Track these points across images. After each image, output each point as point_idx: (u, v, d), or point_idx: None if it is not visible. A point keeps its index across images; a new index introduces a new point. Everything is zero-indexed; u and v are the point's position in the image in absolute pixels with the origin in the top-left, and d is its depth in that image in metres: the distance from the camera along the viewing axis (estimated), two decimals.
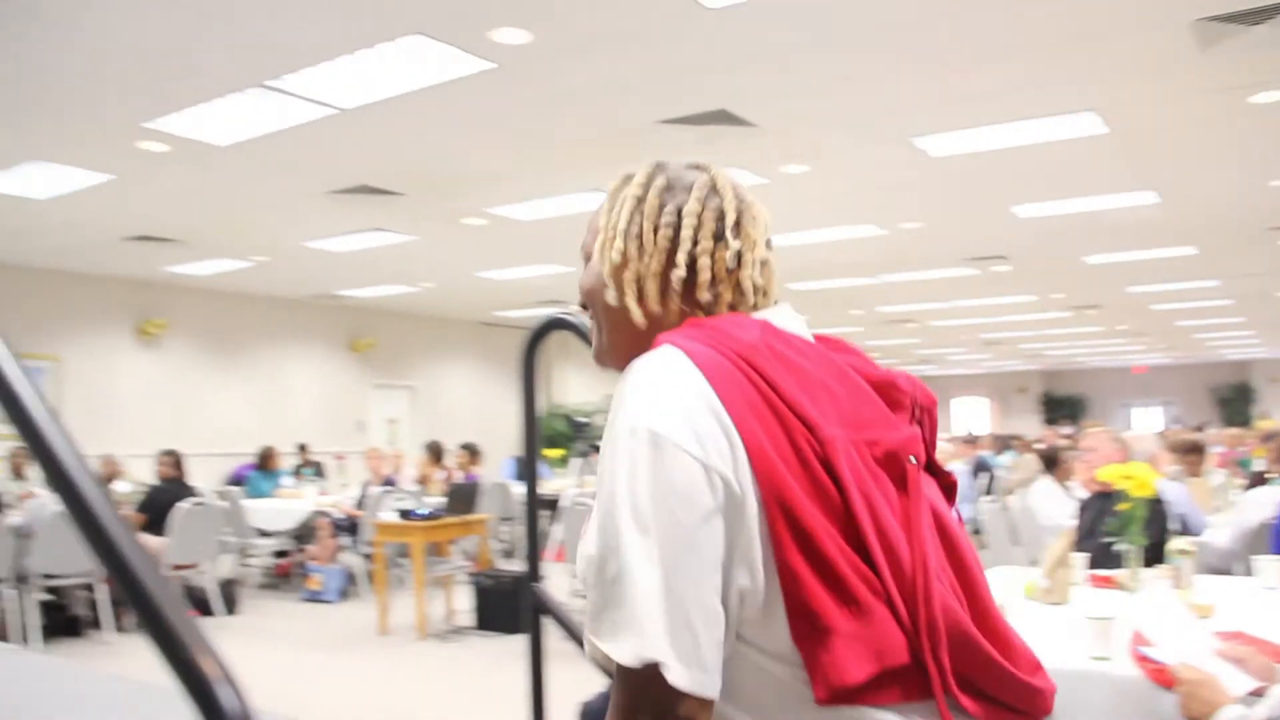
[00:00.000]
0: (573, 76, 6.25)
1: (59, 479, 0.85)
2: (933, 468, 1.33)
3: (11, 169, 8.13)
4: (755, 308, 1.34)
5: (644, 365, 1.17)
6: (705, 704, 1.08)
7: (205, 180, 8.49)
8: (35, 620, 7.21)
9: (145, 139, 7.32)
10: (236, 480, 12.31)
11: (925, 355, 27.62)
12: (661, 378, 1.15)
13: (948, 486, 1.34)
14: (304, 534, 10.08)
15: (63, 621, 7.60)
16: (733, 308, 1.33)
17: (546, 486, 13.05)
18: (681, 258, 1.31)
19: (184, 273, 13.19)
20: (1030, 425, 29.15)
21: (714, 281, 1.32)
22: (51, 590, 7.53)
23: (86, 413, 12.93)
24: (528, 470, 2.10)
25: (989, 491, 11.38)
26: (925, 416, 1.33)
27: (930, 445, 1.32)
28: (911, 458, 1.23)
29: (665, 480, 1.08)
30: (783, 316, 1.32)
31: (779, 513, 1.10)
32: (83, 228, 10.31)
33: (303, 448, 13.99)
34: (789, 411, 1.15)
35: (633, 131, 7.36)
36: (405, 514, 8.30)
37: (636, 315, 1.32)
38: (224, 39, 5.63)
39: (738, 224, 1.34)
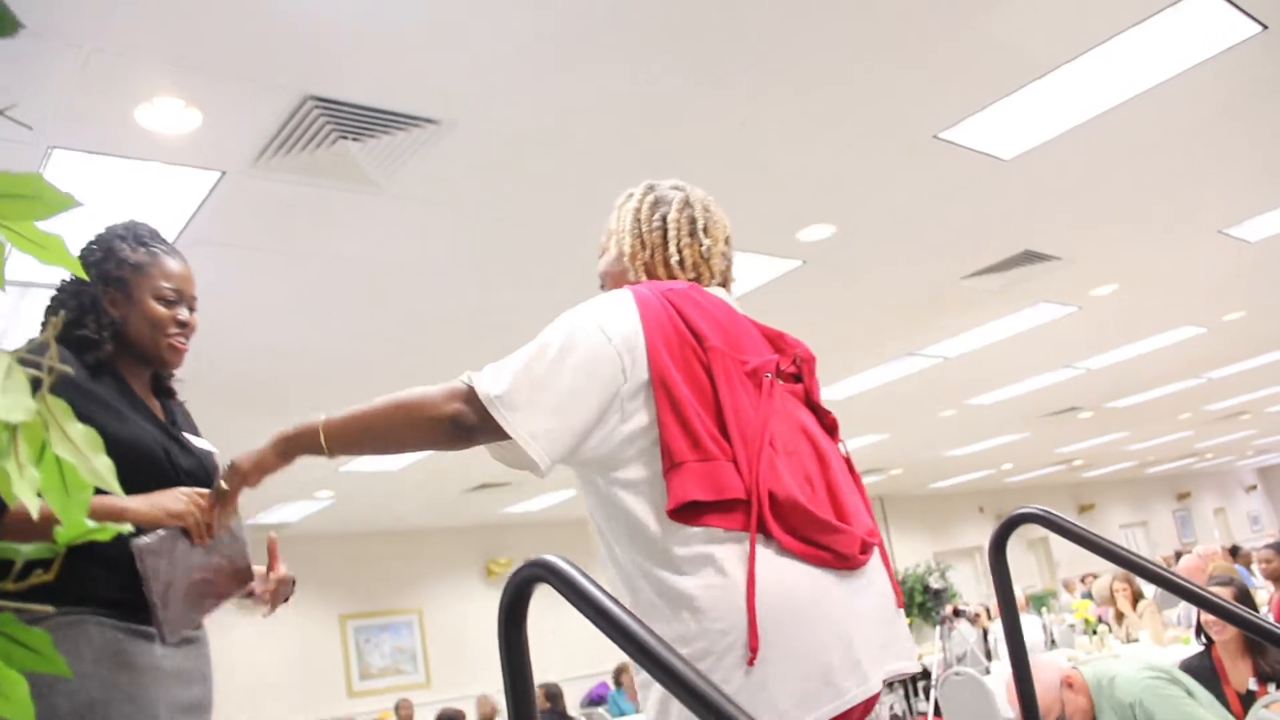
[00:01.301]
0: (875, 256, 6.45)
1: None
2: (815, 407, 1.94)
3: None
4: (706, 283, 1.97)
5: (602, 295, 1.84)
6: (488, 424, 1.69)
7: None
8: None
9: None
10: (596, 699, 12.54)
11: (1264, 445, 25.67)
12: (610, 299, 1.80)
13: (829, 424, 1.96)
14: None
15: None
16: (694, 281, 1.95)
17: None
18: (673, 249, 1.96)
19: (519, 510, 13.96)
20: None
21: (693, 265, 1.97)
22: None
23: (449, 658, 13.66)
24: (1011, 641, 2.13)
25: None
26: (805, 366, 1.95)
27: (811, 389, 1.94)
28: (767, 374, 1.79)
29: (583, 339, 1.72)
30: (715, 289, 1.96)
31: (661, 389, 1.70)
32: (430, 486, 11.17)
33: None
34: (687, 330, 1.75)
35: (935, 293, 7.46)
36: None
37: (633, 282, 1.94)
38: (550, 300, 6.13)
39: (705, 228, 2.00)
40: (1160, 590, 9.38)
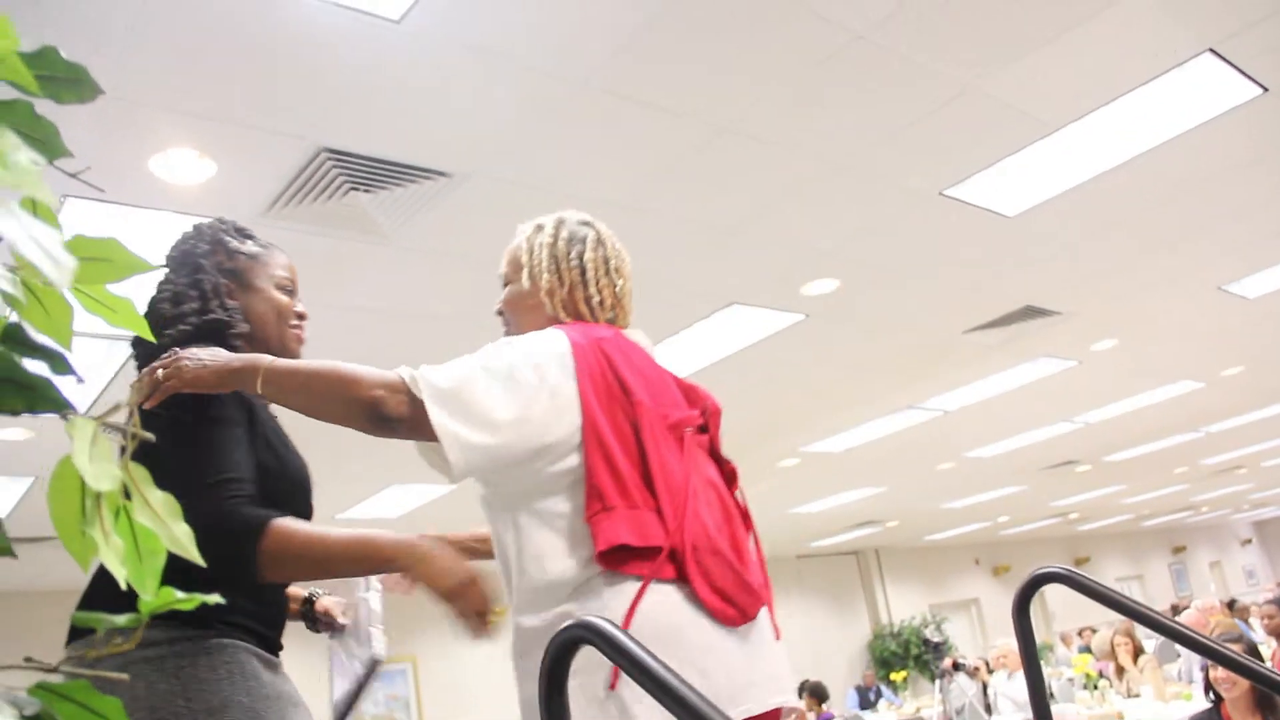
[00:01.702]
0: (879, 311, 6.49)
1: None
2: (716, 454, 2.01)
3: (376, 495, 8.97)
4: (623, 323, 2.06)
5: (539, 333, 1.86)
6: (418, 418, 1.69)
7: None
8: None
9: None
10: None
11: (1260, 499, 25.65)
12: (547, 341, 1.83)
13: (729, 473, 2.00)
14: None
15: None
16: (611, 321, 2.03)
17: (899, 712, 12.68)
18: (593, 289, 2.00)
19: None
20: None
21: (611, 305, 2.03)
22: None
23: (444, 706, 13.56)
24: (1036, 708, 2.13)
25: None
26: (712, 418, 2.03)
27: (715, 440, 2.01)
28: (688, 429, 1.88)
29: (522, 376, 1.75)
30: (633, 332, 2.03)
31: (593, 437, 1.76)
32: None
33: None
34: (616, 383, 1.81)
35: (938, 347, 7.49)
36: None
37: (551, 317, 1.99)
38: None
39: (618, 268, 2.06)
40: (1161, 644, 9.35)
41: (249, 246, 2.14)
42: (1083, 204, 5.37)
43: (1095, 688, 8.37)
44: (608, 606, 1.70)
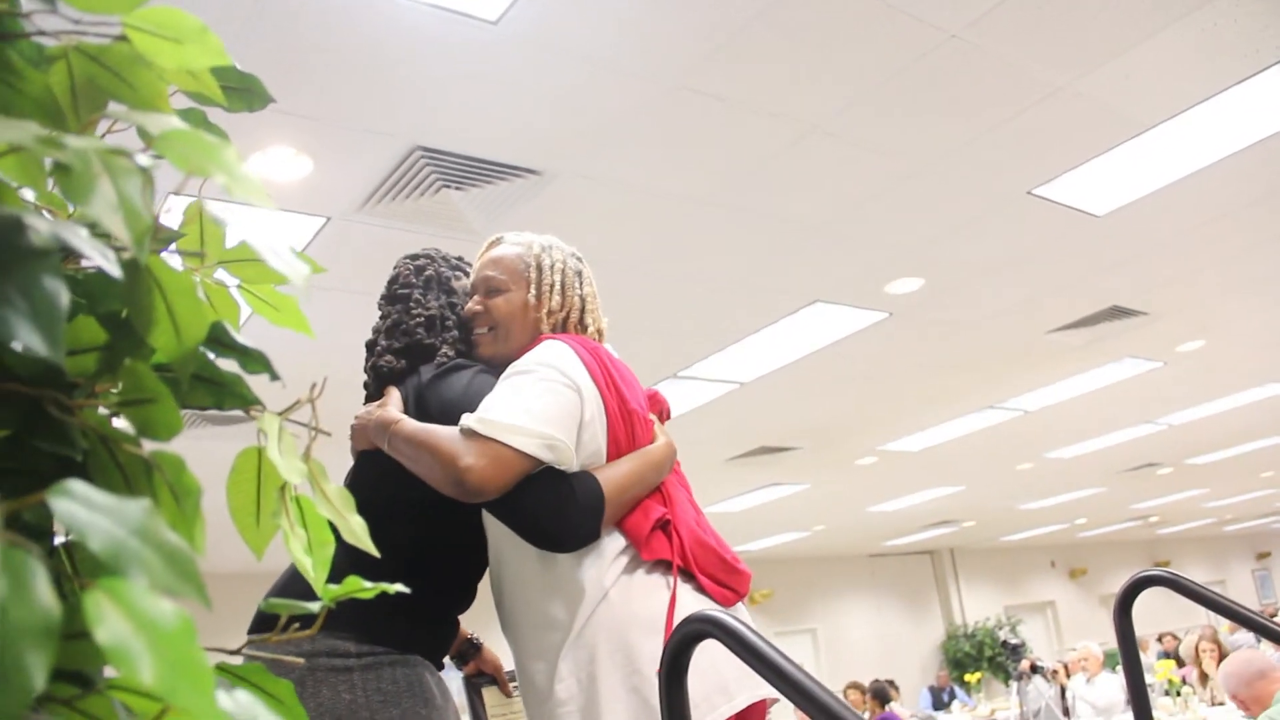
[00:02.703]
0: (962, 310, 6.44)
1: None
2: None
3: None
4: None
5: (553, 343, 1.96)
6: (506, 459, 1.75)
7: None
8: None
9: None
10: None
11: None
12: (563, 350, 1.93)
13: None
14: None
15: None
16: (597, 337, 2.15)
17: (973, 713, 12.56)
18: (589, 318, 2.14)
19: None
20: None
21: (596, 331, 2.15)
22: None
23: None
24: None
25: None
26: (666, 414, 2.18)
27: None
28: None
29: (553, 383, 1.85)
30: (609, 348, 2.12)
31: (611, 433, 1.91)
32: None
33: None
34: (617, 391, 1.95)
35: (1019, 347, 7.41)
36: None
37: (549, 332, 2.08)
38: (641, 346, 6.21)
39: (598, 307, 2.21)
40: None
41: (461, 282, 2.24)
42: (1173, 203, 5.29)
43: (1178, 694, 8.24)
44: (651, 598, 1.85)
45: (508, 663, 2.19)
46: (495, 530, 1.97)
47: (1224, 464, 14.49)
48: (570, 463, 1.81)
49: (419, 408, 1.94)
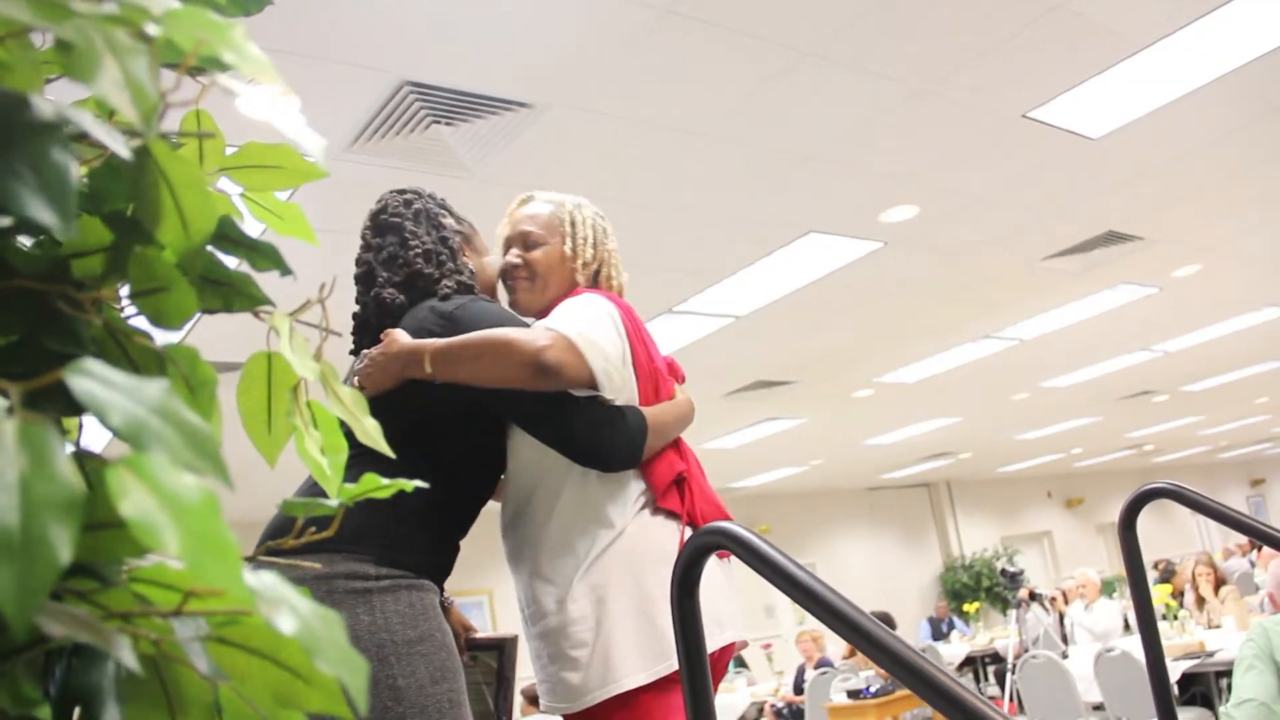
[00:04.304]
0: (956, 237, 6.41)
1: None
2: None
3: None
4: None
5: (596, 296, 2.11)
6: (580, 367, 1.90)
7: None
8: None
9: None
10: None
11: None
12: (607, 303, 2.09)
13: None
14: None
15: None
16: (620, 292, 2.31)
17: (971, 643, 12.70)
18: (614, 272, 2.30)
19: None
20: None
21: (619, 288, 2.30)
22: None
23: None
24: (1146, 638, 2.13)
25: None
26: (681, 379, 2.30)
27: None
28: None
29: (610, 325, 2.03)
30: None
31: (641, 385, 2.05)
32: None
33: None
34: (645, 349, 2.11)
35: (1015, 274, 7.39)
36: (854, 694, 8.26)
37: (583, 285, 2.24)
38: (636, 281, 6.18)
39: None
40: (1240, 575, 9.24)
41: (463, 226, 2.31)
42: (1169, 125, 5.25)
43: (1175, 618, 8.32)
44: (664, 536, 2.03)
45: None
46: (530, 459, 2.06)
47: (1219, 390, 14.54)
48: (615, 399, 1.95)
49: (450, 333, 1.94)
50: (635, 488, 2.03)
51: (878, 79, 4.37)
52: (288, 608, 0.49)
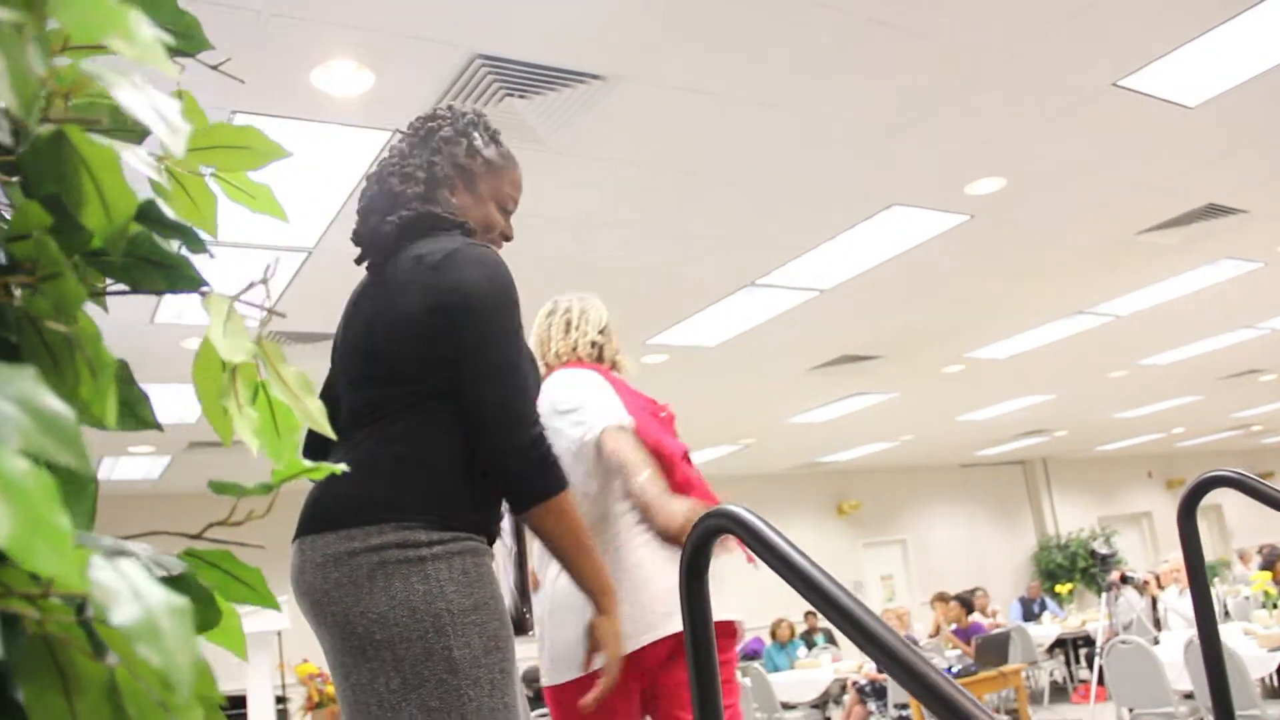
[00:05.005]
0: (1046, 209, 6.24)
1: None
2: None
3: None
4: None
5: (590, 376, 2.70)
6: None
7: (695, 379, 9.13)
8: None
9: (647, 354, 8.00)
10: (751, 654, 12.58)
11: None
12: (601, 385, 2.66)
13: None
14: (825, 702, 10.14)
15: None
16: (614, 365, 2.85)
17: (1063, 624, 12.44)
18: (610, 348, 2.84)
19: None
20: None
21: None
22: None
23: None
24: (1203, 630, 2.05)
25: None
26: (671, 420, 2.80)
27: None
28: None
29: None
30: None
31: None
32: None
33: (810, 615, 14.15)
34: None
35: (1109, 249, 7.18)
36: None
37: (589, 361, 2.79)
38: (717, 254, 6.15)
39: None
40: None
41: (490, 151, 2.11)
42: (1272, 92, 5.03)
43: (1276, 606, 8.06)
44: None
45: None
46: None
47: None
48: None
49: (444, 309, 1.86)
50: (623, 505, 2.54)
51: (960, 46, 4.25)
52: (129, 598, 0.48)
